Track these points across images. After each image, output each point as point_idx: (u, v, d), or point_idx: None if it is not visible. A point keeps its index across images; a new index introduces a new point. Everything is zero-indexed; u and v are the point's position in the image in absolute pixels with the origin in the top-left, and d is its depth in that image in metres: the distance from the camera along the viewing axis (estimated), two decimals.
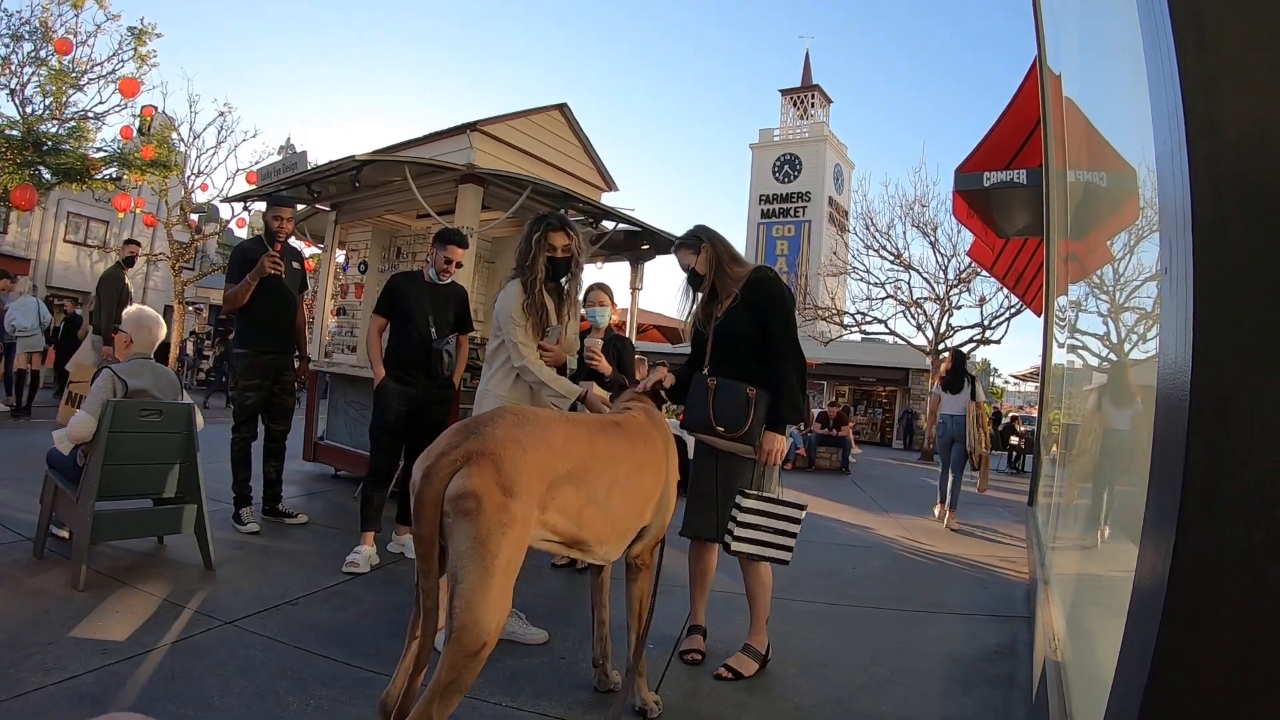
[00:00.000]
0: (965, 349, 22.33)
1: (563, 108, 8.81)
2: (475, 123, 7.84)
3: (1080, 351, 4.84)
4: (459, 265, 5.21)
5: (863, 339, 30.16)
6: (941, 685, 3.74)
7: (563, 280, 3.91)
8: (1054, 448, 6.22)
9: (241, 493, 5.53)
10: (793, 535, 3.48)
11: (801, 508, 3.51)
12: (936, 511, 9.50)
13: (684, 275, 3.86)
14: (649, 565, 3.07)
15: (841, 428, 15.46)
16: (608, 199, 9.21)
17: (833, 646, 4.18)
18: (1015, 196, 8.65)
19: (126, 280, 9.51)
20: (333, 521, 6.04)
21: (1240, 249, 0.93)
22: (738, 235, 44.63)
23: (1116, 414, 2.98)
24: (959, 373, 9.33)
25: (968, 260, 21.41)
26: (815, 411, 16.33)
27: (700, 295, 3.81)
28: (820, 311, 25.70)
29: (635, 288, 9.64)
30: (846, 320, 24.99)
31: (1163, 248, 1.12)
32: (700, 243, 3.74)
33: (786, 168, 43.18)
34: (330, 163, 7.47)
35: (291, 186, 8.13)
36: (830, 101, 45.60)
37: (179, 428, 4.35)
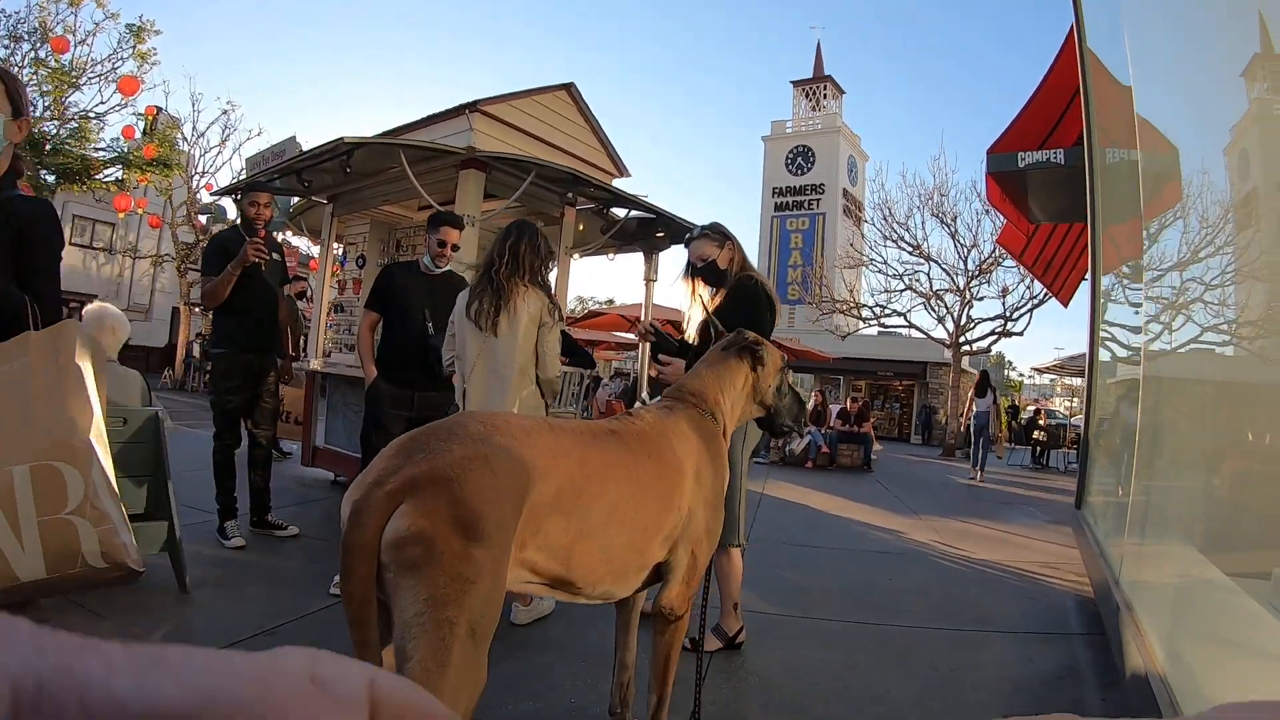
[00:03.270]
0: (986, 341, 21.83)
1: (569, 88, 8.34)
2: (475, 103, 7.37)
3: (1166, 341, 4.39)
4: (455, 248, 4.80)
5: (879, 333, 29.62)
6: None
7: None
8: (1124, 445, 5.65)
9: (226, 504, 5.09)
10: None
11: None
12: (971, 473, 14.50)
13: (694, 265, 3.95)
14: (682, 616, 2.43)
15: (863, 424, 14.94)
16: (619, 186, 8.72)
17: (880, 676, 3.69)
18: (1052, 178, 8.15)
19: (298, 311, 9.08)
20: (325, 533, 5.59)
21: None
22: (751, 229, 44.01)
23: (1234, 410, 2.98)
24: (984, 384, 15.14)
25: (989, 250, 20.84)
26: (835, 408, 15.81)
27: (708, 290, 3.95)
28: (838, 305, 25.13)
29: (650, 279, 9.10)
30: (864, 313, 24.39)
31: None
32: (726, 240, 3.89)
33: (799, 160, 42.32)
34: (320, 147, 7.01)
35: (283, 175, 7.68)
36: (843, 93, 44.68)
37: (144, 437, 3.91)
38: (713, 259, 3.85)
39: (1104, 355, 6.75)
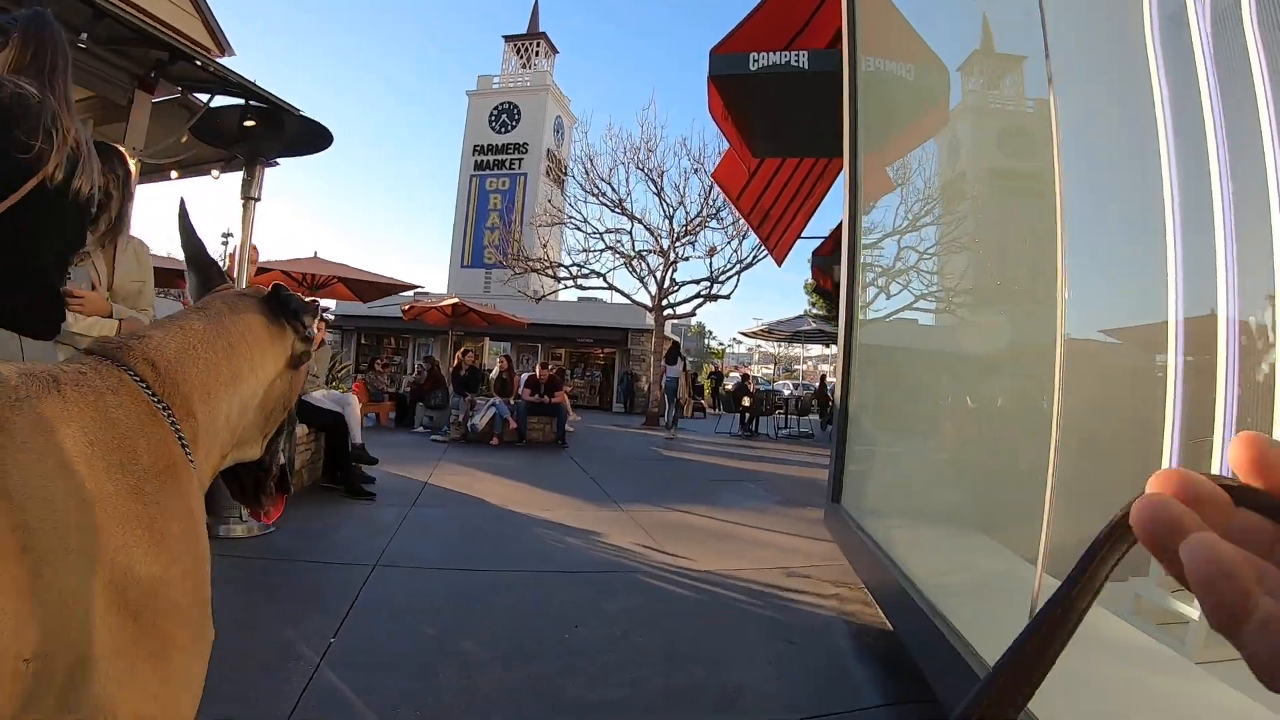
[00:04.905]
0: (691, 305, 20.87)
1: None
2: None
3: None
4: None
5: (579, 298, 28.41)
6: None
7: None
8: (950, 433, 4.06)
9: None
10: None
11: None
12: (670, 432, 16.24)
13: None
14: None
15: (555, 394, 13.04)
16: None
17: None
18: (788, 90, 6.50)
19: None
20: None
21: None
22: (449, 186, 41.47)
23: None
24: (675, 353, 17.08)
25: (696, 210, 19.78)
26: (523, 376, 13.86)
27: None
28: (531, 263, 23.04)
29: (251, 198, 5.99)
30: (561, 273, 22.51)
31: None
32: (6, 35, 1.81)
33: (504, 117, 40.66)
34: None
35: None
36: (556, 52, 43.61)
37: None
38: None
39: (886, 317, 5.08)
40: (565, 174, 26.46)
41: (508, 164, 39.78)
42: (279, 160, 6.56)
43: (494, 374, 13.40)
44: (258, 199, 6.12)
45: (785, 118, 7.17)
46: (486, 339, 25.57)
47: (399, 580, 4.28)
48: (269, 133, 5.90)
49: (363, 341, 28.88)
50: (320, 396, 7.51)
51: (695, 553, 5.24)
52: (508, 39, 43.31)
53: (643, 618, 3.86)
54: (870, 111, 4.90)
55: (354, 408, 7.78)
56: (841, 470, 4.65)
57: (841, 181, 5.51)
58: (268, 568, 4.48)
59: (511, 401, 12.48)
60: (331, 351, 12.01)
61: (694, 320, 28.81)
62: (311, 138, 6.19)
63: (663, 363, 17.68)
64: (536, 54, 42.62)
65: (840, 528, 4.39)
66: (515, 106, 40.80)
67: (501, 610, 3.89)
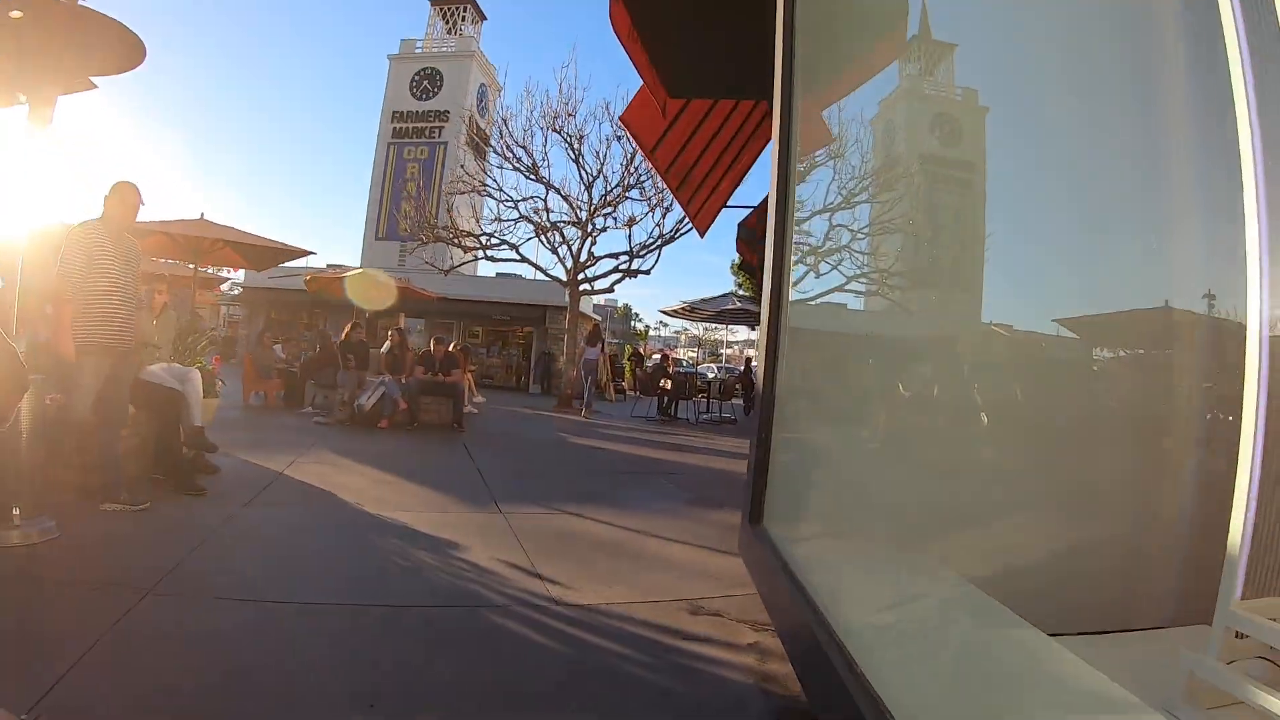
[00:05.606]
0: (609, 280, 19.72)
1: None
2: None
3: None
4: None
5: (498, 274, 27.79)
6: None
7: None
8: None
9: None
10: None
11: None
12: (582, 413, 16.00)
13: None
14: None
15: (452, 372, 11.76)
16: None
17: None
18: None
19: None
20: None
21: None
22: (365, 154, 39.84)
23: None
24: (596, 335, 17.95)
25: (617, 179, 18.55)
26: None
27: None
28: (439, 232, 21.41)
29: (40, 122, 4.80)
30: (469, 242, 20.97)
31: None
32: None
33: (426, 83, 39.29)
34: None
35: None
36: (484, 18, 42.26)
37: None
38: None
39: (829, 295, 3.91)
40: (487, 144, 25.04)
41: (428, 132, 38.48)
42: (95, 82, 5.23)
43: (384, 348, 12.02)
44: (49, 122, 4.75)
45: (709, 42, 6.00)
46: (402, 314, 24.11)
47: (164, 616, 3.10)
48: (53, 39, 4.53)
49: (273, 315, 27.20)
50: (158, 371, 6.17)
51: (576, 576, 4.09)
52: (434, 2, 41.77)
53: (472, 692, 2.69)
54: (810, 30, 3.78)
55: (195, 384, 6.43)
56: (764, 483, 3.43)
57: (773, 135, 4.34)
58: (12, 589, 3.32)
59: (404, 380, 11.16)
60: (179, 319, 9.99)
61: (620, 301, 27.77)
62: (116, 49, 4.83)
63: (582, 343, 17.88)
64: (463, 19, 41.34)
65: (760, 563, 3.21)
66: (438, 73, 39.47)
67: (277, 671, 2.71)
